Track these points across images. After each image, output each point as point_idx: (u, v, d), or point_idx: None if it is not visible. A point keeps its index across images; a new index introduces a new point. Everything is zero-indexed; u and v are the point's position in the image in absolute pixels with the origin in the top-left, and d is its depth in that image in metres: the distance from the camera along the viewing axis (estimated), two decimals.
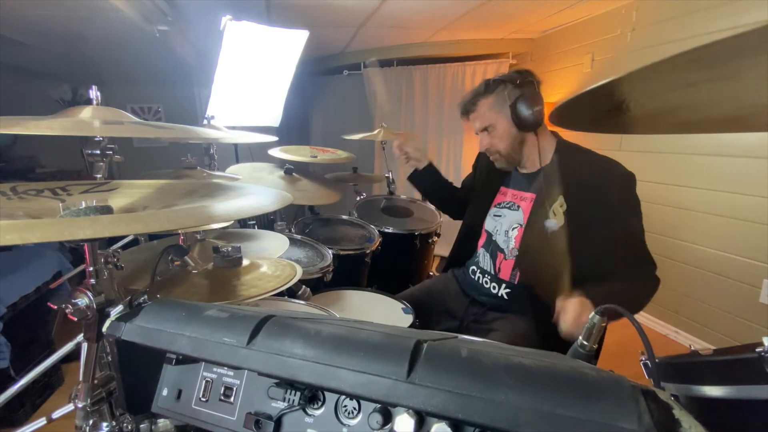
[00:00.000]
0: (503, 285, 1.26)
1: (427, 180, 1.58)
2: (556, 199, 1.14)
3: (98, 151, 0.85)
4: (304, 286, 1.28)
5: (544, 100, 1.19)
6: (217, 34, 1.75)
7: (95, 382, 0.59)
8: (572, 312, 0.95)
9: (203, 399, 0.48)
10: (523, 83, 1.18)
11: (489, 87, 1.22)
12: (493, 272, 1.29)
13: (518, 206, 1.26)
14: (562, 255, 1.10)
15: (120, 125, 0.75)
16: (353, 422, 0.41)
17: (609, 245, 1.07)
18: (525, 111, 1.15)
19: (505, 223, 1.27)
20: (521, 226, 1.23)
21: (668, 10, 2.34)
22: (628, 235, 1.09)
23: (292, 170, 1.76)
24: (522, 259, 1.21)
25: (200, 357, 0.46)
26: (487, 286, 1.30)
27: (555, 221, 1.13)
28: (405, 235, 1.92)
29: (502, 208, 1.31)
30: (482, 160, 1.46)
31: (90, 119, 0.80)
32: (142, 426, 0.55)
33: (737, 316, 2.11)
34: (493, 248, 1.29)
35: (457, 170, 3.81)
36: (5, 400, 0.84)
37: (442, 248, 3.32)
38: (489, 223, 1.34)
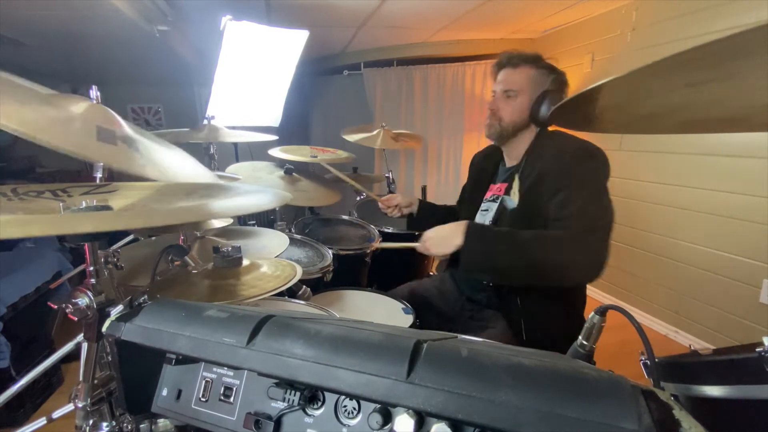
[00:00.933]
0: None
1: (427, 219, 1.53)
2: (514, 180, 1.16)
3: None
4: (304, 286, 1.28)
5: None
6: (217, 34, 1.75)
7: (95, 382, 0.59)
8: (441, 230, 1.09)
9: (203, 399, 0.48)
10: (561, 85, 1.19)
11: (538, 61, 1.19)
12: None
13: (499, 197, 1.27)
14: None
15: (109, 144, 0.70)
16: (353, 422, 0.41)
17: (558, 209, 1.04)
18: (545, 109, 1.15)
19: (489, 215, 1.29)
20: None
21: (668, 10, 2.33)
22: (577, 201, 1.02)
23: (292, 170, 1.76)
24: None
25: (200, 357, 0.46)
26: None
27: (513, 200, 1.16)
28: (405, 235, 1.92)
29: (488, 202, 1.33)
30: (475, 163, 1.47)
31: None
32: (142, 426, 0.56)
33: (737, 316, 2.11)
34: None
35: (457, 170, 3.81)
36: (5, 400, 0.84)
37: None
38: (478, 219, 1.35)
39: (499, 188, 1.29)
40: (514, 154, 1.26)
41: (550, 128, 1.25)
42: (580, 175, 1.05)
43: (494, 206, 1.27)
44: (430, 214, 1.55)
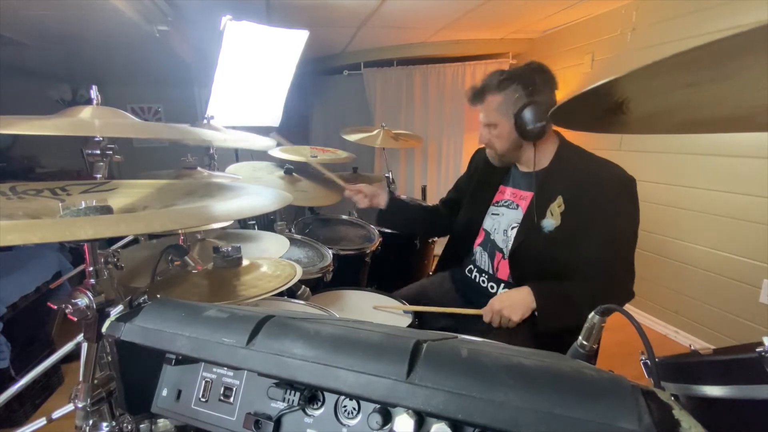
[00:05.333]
0: (501, 285, 1.25)
1: (397, 216, 1.50)
2: (554, 199, 1.13)
3: (98, 151, 0.85)
4: (304, 286, 1.28)
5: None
6: (217, 34, 1.75)
7: (95, 382, 0.59)
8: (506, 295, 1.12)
9: (203, 399, 0.48)
10: (536, 89, 1.13)
11: (501, 84, 1.15)
12: (491, 272, 1.28)
13: (517, 205, 1.24)
14: (555, 255, 1.13)
15: (118, 123, 0.75)
16: (353, 422, 0.41)
17: (599, 248, 1.08)
18: (529, 123, 1.12)
19: (504, 221, 1.26)
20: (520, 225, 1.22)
21: (668, 10, 2.33)
22: (617, 241, 1.09)
23: (291, 170, 1.76)
24: (514, 257, 1.20)
25: (200, 357, 0.46)
26: (484, 285, 1.29)
27: (552, 221, 1.13)
28: (405, 235, 1.92)
29: (500, 206, 1.29)
30: (478, 159, 1.43)
31: (90, 119, 0.80)
32: (142, 426, 0.55)
33: (737, 316, 2.11)
34: (491, 247, 1.28)
35: (457, 170, 3.80)
36: (5, 400, 0.84)
37: (442, 248, 3.32)
38: (487, 222, 1.31)
39: (518, 195, 1.25)
40: (530, 162, 1.22)
41: (554, 128, 1.21)
42: (628, 211, 1.09)
43: (510, 213, 1.25)
44: (399, 211, 1.49)
